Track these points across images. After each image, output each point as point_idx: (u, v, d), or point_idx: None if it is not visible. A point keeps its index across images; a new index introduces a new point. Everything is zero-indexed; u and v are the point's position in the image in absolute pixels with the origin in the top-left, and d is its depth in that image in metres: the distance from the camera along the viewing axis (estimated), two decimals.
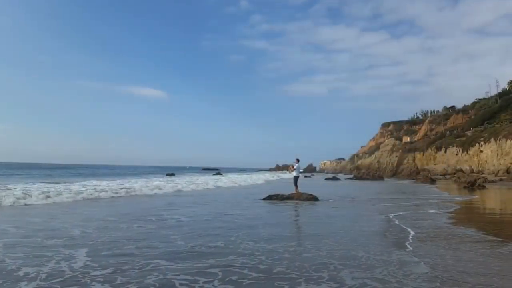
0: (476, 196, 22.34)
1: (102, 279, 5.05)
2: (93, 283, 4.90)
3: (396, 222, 10.93)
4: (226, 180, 38.47)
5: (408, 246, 7.37)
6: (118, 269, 5.56)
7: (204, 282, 4.96)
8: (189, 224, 10.20)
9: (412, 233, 8.94)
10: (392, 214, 12.66)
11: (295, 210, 14.84)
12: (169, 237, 8.10)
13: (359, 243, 7.60)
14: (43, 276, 5.19)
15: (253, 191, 26.12)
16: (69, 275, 5.22)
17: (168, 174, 56.39)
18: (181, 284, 4.89)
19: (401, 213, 13.04)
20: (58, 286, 4.80)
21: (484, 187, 30.63)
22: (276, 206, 16.13)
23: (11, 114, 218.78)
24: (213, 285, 4.87)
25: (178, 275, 5.29)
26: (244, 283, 4.94)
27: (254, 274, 5.34)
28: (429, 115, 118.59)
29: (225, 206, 15.37)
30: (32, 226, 9.33)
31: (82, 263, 5.86)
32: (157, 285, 4.88)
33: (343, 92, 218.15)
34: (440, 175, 57.91)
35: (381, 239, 8.40)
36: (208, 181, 34.42)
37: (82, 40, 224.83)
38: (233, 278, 5.16)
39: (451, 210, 14.42)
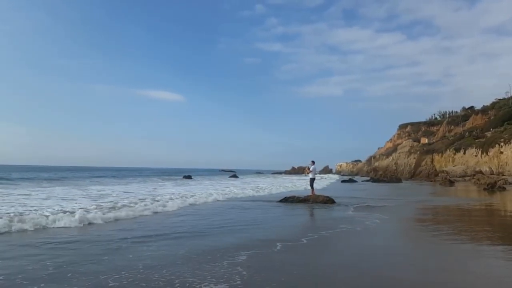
0: (488, 201, 22.00)
1: None
2: None
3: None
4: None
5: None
6: None
7: None
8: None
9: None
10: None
11: (296, 212, 14.96)
12: None
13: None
14: None
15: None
16: None
17: (185, 177, 56.83)
18: None
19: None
20: None
21: (504, 189, 30.12)
22: (286, 208, 16.32)
23: (32, 117, 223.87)
24: None
25: None
26: None
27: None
28: (447, 116, 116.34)
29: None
30: None
31: None
32: None
33: (358, 93, 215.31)
34: (459, 177, 56.96)
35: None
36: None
37: (98, 43, 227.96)
38: None
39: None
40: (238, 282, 5.39)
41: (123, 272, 5.74)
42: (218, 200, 19.64)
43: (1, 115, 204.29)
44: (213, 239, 8.81)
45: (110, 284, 5.20)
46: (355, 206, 17.01)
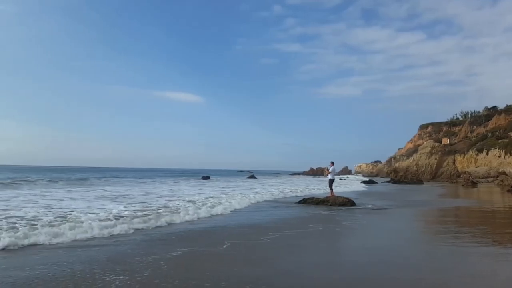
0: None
1: None
2: None
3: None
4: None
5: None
6: None
7: None
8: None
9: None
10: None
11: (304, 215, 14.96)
12: None
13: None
14: None
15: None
16: None
17: (203, 177, 57.37)
18: None
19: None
20: None
21: None
22: (296, 209, 16.23)
23: (49, 118, 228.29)
24: None
25: None
26: None
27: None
28: (469, 116, 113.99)
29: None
30: None
31: None
32: None
33: (378, 94, 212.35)
34: (482, 178, 55.72)
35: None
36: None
37: (117, 45, 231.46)
38: None
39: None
40: (145, 274, 5.45)
41: (49, 263, 6.06)
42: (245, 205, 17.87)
43: (23, 116, 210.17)
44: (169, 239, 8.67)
45: (23, 275, 5.46)
46: (356, 208, 16.89)
